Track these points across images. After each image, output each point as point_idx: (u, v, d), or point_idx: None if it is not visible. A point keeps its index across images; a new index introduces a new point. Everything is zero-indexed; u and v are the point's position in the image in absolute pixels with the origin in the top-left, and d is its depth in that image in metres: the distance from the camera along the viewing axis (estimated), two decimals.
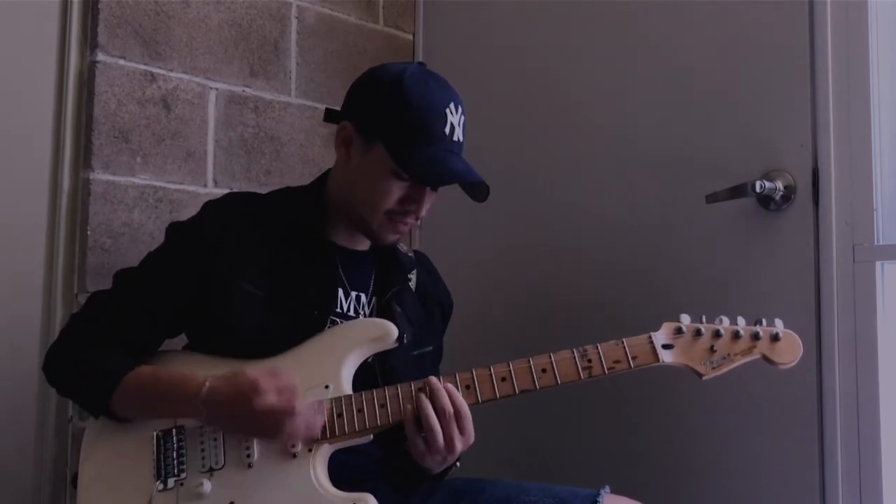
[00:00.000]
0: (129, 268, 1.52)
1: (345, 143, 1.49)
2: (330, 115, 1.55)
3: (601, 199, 1.99)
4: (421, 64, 1.52)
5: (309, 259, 1.48)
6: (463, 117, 1.46)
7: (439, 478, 1.47)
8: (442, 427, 1.34)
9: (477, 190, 1.48)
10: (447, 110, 1.42)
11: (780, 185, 1.67)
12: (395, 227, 1.48)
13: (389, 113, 1.43)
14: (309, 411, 1.33)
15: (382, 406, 1.37)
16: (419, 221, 1.54)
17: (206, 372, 1.37)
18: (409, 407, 1.36)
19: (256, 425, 1.32)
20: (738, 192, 1.68)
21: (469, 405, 1.36)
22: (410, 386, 1.38)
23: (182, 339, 1.57)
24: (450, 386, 1.36)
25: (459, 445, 1.35)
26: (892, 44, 1.63)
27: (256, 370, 1.32)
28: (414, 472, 1.44)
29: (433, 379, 1.37)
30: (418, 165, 1.41)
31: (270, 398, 1.29)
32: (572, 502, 1.40)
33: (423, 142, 1.41)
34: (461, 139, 1.46)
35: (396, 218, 1.47)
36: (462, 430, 1.35)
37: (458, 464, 1.44)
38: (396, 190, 1.44)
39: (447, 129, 1.42)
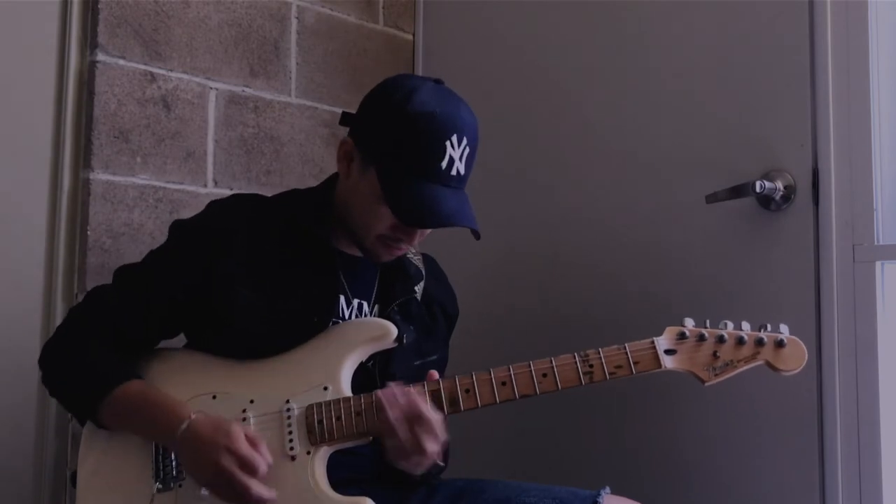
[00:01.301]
0: (130, 263, 1.52)
1: (346, 158, 1.46)
2: (343, 120, 1.51)
3: (601, 199, 1.99)
4: (437, 82, 1.45)
5: (311, 265, 1.47)
6: (467, 149, 1.40)
7: (426, 479, 1.45)
8: (406, 431, 1.31)
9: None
10: (447, 143, 1.36)
11: (780, 185, 1.67)
12: (389, 251, 1.46)
13: (387, 142, 1.39)
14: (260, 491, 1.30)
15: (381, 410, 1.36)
16: (414, 248, 1.52)
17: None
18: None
19: (212, 478, 1.30)
20: (738, 192, 1.68)
21: (469, 409, 1.36)
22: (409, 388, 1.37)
23: (182, 339, 1.57)
24: (409, 391, 1.33)
25: (430, 446, 1.32)
26: (892, 44, 1.63)
27: (239, 430, 1.31)
28: (402, 475, 1.43)
29: (390, 386, 1.34)
30: (404, 204, 1.37)
31: (234, 467, 1.28)
32: (572, 503, 1.40)
33: (416, 177, 1.37)
34: (462, 172, 1.40)
35: (389, 242, 1.44)
36: (428, 431, 1.31)
37: (442, 464, 1.43)
38: (387, 218, 1.40)
39: (444, 164, 1.37)
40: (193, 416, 1.33)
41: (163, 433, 1.35)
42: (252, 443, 1.31)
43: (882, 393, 1.57)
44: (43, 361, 1.47)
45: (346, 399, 1.37)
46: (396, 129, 1.38)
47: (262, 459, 1.30)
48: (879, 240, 1.59)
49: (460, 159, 1.39)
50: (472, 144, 1.41)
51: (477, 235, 1.42)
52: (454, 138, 1.37)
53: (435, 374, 1.39)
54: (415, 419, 1.31)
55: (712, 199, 1.72)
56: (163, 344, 1.54)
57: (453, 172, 1.38)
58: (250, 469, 1.28)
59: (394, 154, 1.38)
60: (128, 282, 1.48)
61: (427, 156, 1.37)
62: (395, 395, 1.33)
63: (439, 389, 1.36)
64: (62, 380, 1.45)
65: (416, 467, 1.36)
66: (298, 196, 1.57)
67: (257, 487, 1.28)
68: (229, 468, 1.28)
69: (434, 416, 1.32)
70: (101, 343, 1.43)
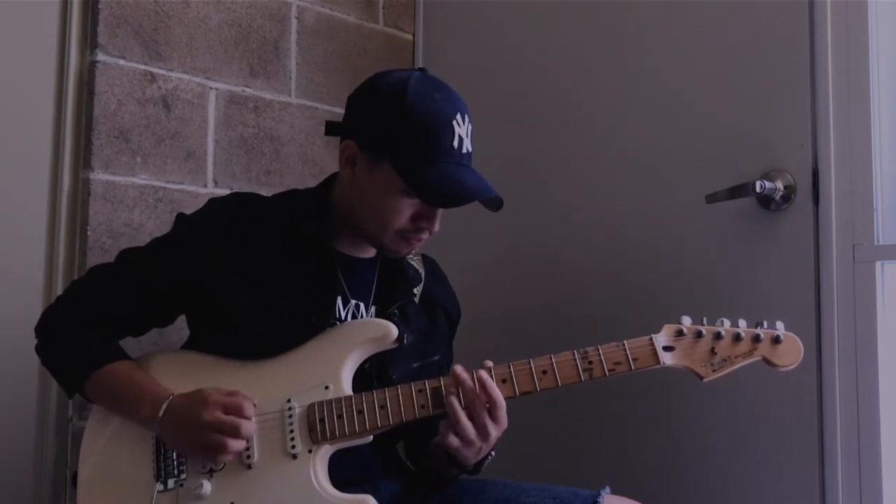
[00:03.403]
0: (134, 247, 1.54)
1: (349, 163, 1.46)
2: (331, 129, 1.52)
3: (601, 199, 1.99)
4: (422, 70, 1.47)
5: (310, 265, 1.47)
6: (470, 126, 1.43)
7: (476, 470, 1.46)
8: (472, 417, 1.33)
9: (491, 202, 1.45)
10: (454, 122, 1.39)
11: (780, 185, 1.67)
12: (408, 244, 1.47)
13: (394, 132, 1.39)
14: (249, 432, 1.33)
15: (382, 407, 1.36)
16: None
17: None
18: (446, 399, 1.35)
19: (198, 437, 1.32)
20: (738, 192, 1.68)
21: None
22: (411, 387, 1.37)
23: (180, 339, 1.57)
24: (482, 374, 1.35)
25: (493, 433, 1.35)
26: (892, 44, 1.63)
27: (213, 389, 1.35)
28: (448, 467, 1.44)
29: (458, 368, 1.36)
30: (430, 186, 1.38)
31: (217, 412, 1.31)
32: (573, 502, 1.40)
33: (432, 159, 1.38)
34: (470, 149, 1.42)
35: (409, 235, 1.45)
36: (495, 419, 1.34)
37: (492, 454, 1.44)
38: (407, 208, 1.41)
39: (455, 143, 1.39)
40: (172, 397, 1.37)
41: (144, 416, 1.38)
42: (228, 392, 1.34)
43: (882, 393, 1.56)
44: (39, 330, 1.51)
45: (348, 397, 1.37)
46: (402, 119, 1.38)
47: (243, 399, 1.33)
48: (879, 240, 1.59)
49: (467, 136, 1.41)
50: (472, 121, 1.44)
51: (499, 205, 1.45)
52: (458, 117, 1.40)
53: (489, 362, 1.40)
54: (481, 403, 1.33)
55: (712, 199, 1.72)
56: (159, 343, 1.54)
57: (464, 150, 1.41)
58: (235, 408, 1.32)
59: (405, 143, 1.39)
60: (130, 264, 1.50)
61: (439, 138, 1.38)
62: (465, 379, 1.34)
63: (440, 387, 1.37)
64: (54, 352, 1.49)
65: (473, 455, 1.38)
66: (297, 196, 1.57)
67: (247, 426, 1.31)
68: (215, 417, 1.31)
69: (502, 402, 1.34)
70: (96, 321, 1.47)
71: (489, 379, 1.35)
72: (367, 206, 1.45)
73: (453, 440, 1.34)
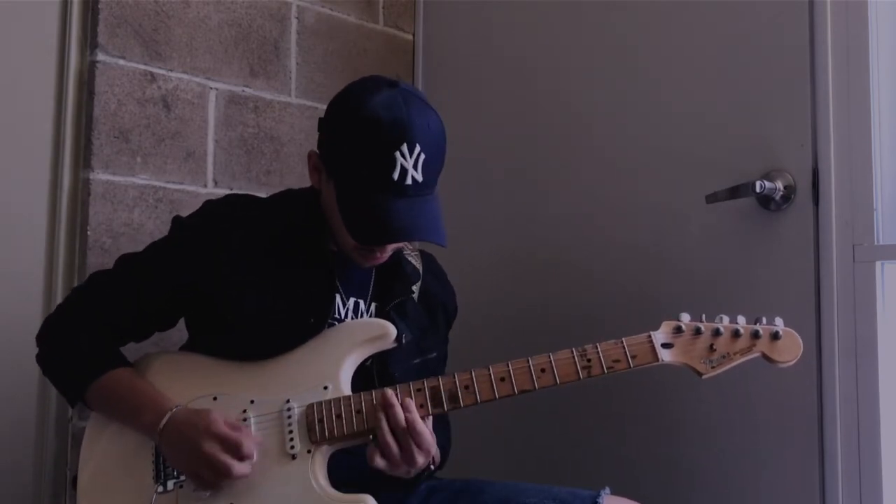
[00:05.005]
0: (132, 253, 1.53)
1: (315, 171, 1.46)
2: (319, 125, 1.50)
3: (601, 198, 1.99)
4: (392, 86, 1.38)
5: (306, 265, 1.47)
6: (422, 155, 1.33)
7: (416, 481, 1.45)
8: (399, 443, 1.32)
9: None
10: (397, 153, 1.31)
11: (780, 185, 1.67)
12: (367, 260, 1.45)
13: (340, 153, 1.38)
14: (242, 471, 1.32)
15: None
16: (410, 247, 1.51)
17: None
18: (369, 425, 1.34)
19: (195, 463, 1.32)
20: (738, 192, 1.68)
21: (468, 405, 1.36)
22: (409, 386, 1.37)
23: (180, 340, 1.57)
24: (407, 401, 1.34)
25: (420, 459, 1.33)
26: (892, 44, 1.63)
27: (217, 415, 1.34)
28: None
29: (388, 393, 1.35)
30: (357, 223, 1.36)
31: (216, 448, 1.30)
32: (572, 503, 1.40)
33: (370, 190, 1.34)
34: (420, 180, 1.34)
35: (365, 253, 1.43)
36: (419, 445, 1.32)
37: (432, 467, 1.43)
38: None
39: (396, 175, 1.32)
40: (175, 409, 1.36)
41: (145, 424, 1.38)
42: (232, 426, 1.33)
43: (882, 393, 1.56)
44: (40, 339, 1.51)
45: (347, 397, 1.37)
46: (347, 141, 1.36)
47: (244, 438, 1.32)
48: (879, 240, 1.58)
49: (415, 167, 1.34)
50: (431, 148, 1.35)
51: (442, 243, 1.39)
52: (404, 147, 1.32)
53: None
54: (408, 430, 1.32)
55: (712, 199, 1.72)
56: (160, 344, 1.54)
57: (408, 182, 1.34)
58: (233, 448, 1.31)
59: (347, 167, 1.37)
60: (127, 270, 1.50)
61: (377, 168, 1.33)
62: (391, 404, 1.33)
63: (438, 386, 1.37)
64: (55, 361, 1.49)
65: (403, 474, 1.37)
66: (292, 197, 1.57)
67: (239, 467, 1.31)
68: (211, 451, 1.30)
69: (425, 432, 1.33)
70: (96, 329, 1.46)
71: (414, 409, 1.33)
72: (330, 217, 1.44)
73: (380, 462, 1.33)
